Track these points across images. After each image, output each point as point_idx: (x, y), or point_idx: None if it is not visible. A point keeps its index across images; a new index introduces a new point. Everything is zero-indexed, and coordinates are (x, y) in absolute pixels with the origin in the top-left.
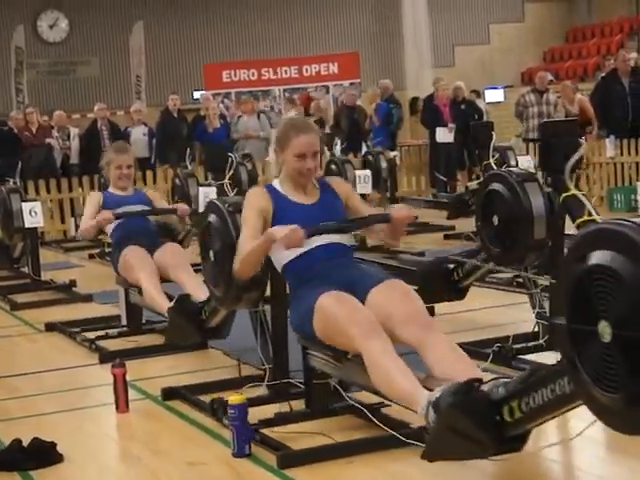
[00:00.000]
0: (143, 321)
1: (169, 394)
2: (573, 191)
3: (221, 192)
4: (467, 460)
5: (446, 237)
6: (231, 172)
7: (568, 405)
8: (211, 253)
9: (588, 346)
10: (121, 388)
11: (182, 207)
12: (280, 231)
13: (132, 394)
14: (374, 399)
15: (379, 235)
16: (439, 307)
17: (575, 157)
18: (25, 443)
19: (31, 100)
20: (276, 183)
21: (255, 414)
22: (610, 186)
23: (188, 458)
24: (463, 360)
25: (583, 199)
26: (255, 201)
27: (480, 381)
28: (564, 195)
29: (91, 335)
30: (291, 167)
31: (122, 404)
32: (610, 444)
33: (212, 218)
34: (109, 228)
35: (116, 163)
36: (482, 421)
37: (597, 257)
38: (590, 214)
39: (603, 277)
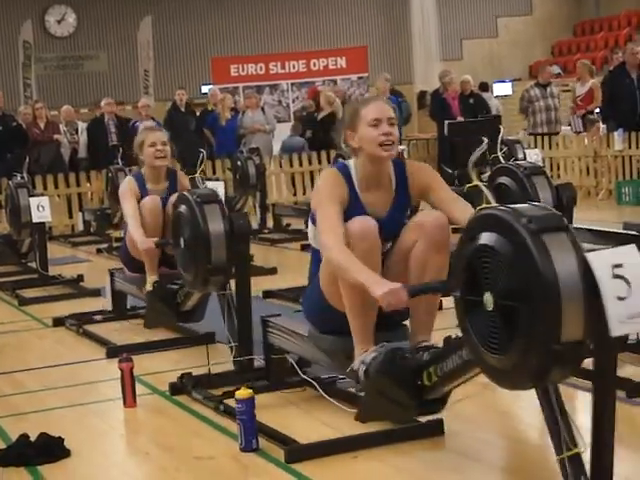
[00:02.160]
0: (127, 307)
1: (177, 389)
2: (476, 182)
3: (193, 184)
4: (395, 421)
5: (454, 230)
6: (202, 166)
7: (472, 370)
8: (182, 241)
9: (476, 314)
10: (128, 383)
11: None
12: (379, 288)
13: (139, 389)
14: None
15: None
16: (447, 300)
17: (477, 153)
18: (32, 438)
19: (39, 95)
20: (351, 165)
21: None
22: (618, 179)
23: (196, 452)
24: (427, 319)
25: (484, 189)
26: (334, 186)
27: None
28: (467, 186)
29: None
30: (369, 139)
31: (129, 399)
32: (618, 453)
33: (182, 208)
34: (124, 224)
35: (150, 140)
36: (404, 385)
37: (483, 238)
38: (488, 202)
39: (487, 254)
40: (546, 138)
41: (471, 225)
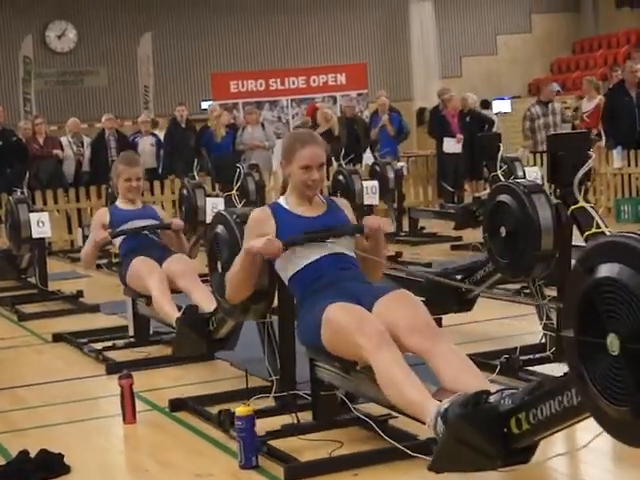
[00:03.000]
0: (150, 332)
1: (177, 405)
2: (582, 203)
3: (229, 203)
4: (474, 472)
5: (453, 248)
6: (239, 183)
7: (575, 418)
8: (219, 264)
9: (596, 359)
10: (128, 399)
11: (176, 221)
12: (257, 242)
13: (139, 405)
14: (381, 411)
15: (364, 260)
16: (446, 318)
17: (583, 169)
18: (32, 454)
19: (39, 110)
20: (281, 200)
21: (262, 426)
22: (617, 197)
23: (195, 470)
24: (471, 371)
25: (591, 211)
26: (256, 226)
27: (488, 393)
28: (572, 207)
29: (98, 346)
30: (297, 179)
31: (129, 415)
32: (617, 456)
33: (219, 229)
34: (117, 242)
35: (125, 175)
36: (489, 433)
37: (605, 269)
38: (598, 226)
39: (611, 290)
40: (545, 156)
41: (588, 254)
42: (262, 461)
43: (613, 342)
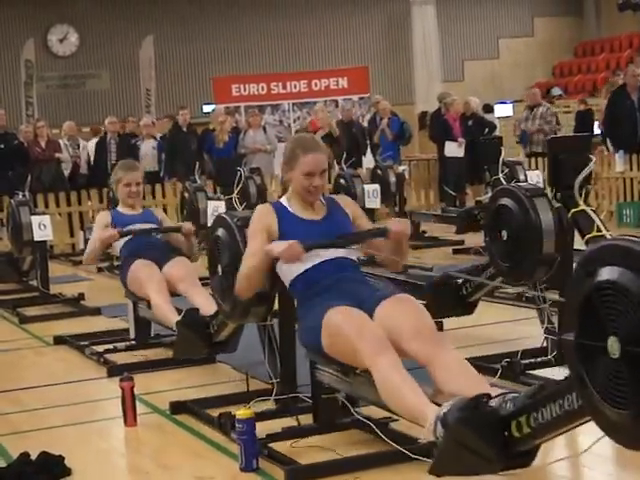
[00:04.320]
0: (151, 335)
1: (177, 408)
2: (582, 207)
3: (230, 206)
4: (474, 475)
5: (455, 252)
6: (240, 186)
7: (576, 421)
8: (219, 267)
9: (597, 362)
10: (129, 402)
11: (187, 225)
12: (278, 246)
13: (140, 408)
14: (382, 414)
15: (383, 257)
16: (448, 322)
17: (584, 173)
18: (33, 457)
19: (41, 113)
20: (284, 200)
21: (263, 428)
22: (619, 201)
23: (196, 472)
24: (471, 375)
25: (592, 215)
26: (260, 219)
27: (489, 396)
28: (573, 211)
29: (99, 348)
30: (299, 185)
31: (130, 418)
32: (618, 460)
33: (220, 232)
34: (117, 246)
35: (125, 181)
36: (490, 436)
37: (606, 273)
38: (599, 230)
39: (612, 293)
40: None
41: (589, 258)
42: (263, 464)
43: (613, 345)
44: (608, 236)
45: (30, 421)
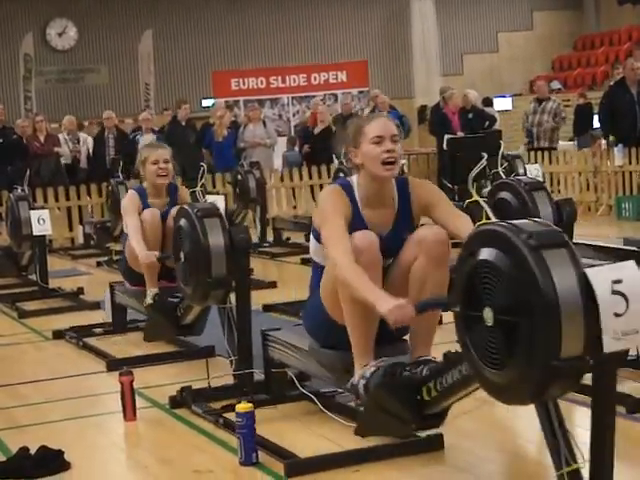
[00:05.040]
0: (127, 320)
1: (177, 402)
2: (475, 197)
3: (195, 199)
4: (394, 436)
5: (455, 245)
6: (203, 180)
7: (471, 384)
8: (182, 254)
9: (476, 330)
10: (128, 396)
11: None
12: (387, 304)
13: (139, 402)
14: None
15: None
16: (447, 315)
17: (477, 169)
18: (32, 451)
19: (39, 108)
20: (354, 181)
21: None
22: (618, 194)
23: (195, 466)
24: (427, 334)
25: (483, 204)
26: (338, 204)
27: (404, 364)
28: (467, 201)
29: (80, 335)
30: (372, 157)
31: (129, 412)
32: (615, 454)
33: (182, 222)
34: (123, 237)
35: (153, 158)
36: (405, 400)
37: (483, 253)
38: (488, 217)
39: (487, 270)
40: (546, 153)
41: (470, 240)
42: (262, 457)
43: (488, 314)
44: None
45: (29, 415)
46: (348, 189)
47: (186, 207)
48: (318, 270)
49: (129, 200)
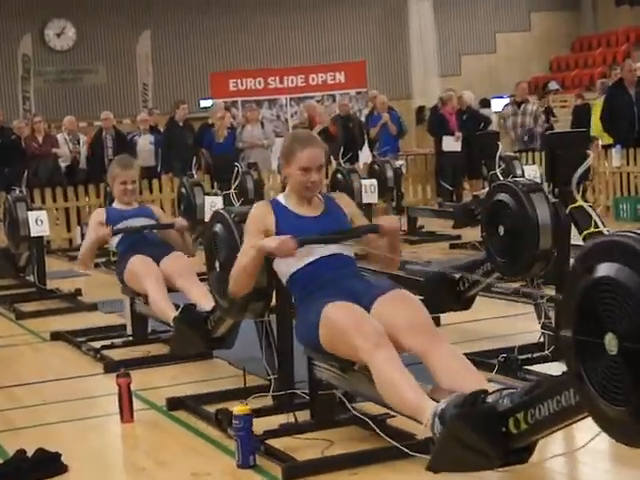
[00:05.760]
0: (149, 330)
1: (174, 404)
2: (580, 202)
3: (227, 202)
4: (472, 472)
5: (452, 247)
6: (237, 182)
7: (573, 417)
8: (217, 263)
9: (594, 358)
10: (126, 398)
11: (179, 221)
12: (271, 241)
13: (137, 404)
14: (379, 410)
15: (377, 255)
16: (445, 317)
17: (582, 168)
18: (29, 453)
19: (38, 108)
20: (281, 197)
21: (260, 425)
22: (616, 196)
23: (192, 469)
24: (469, 371)
25: (590, 210)
26: (257, 219)
27: (486, 392)
28: (571, 206)
29: (96, 344)
30: (296, 180)
31: (127, 414)
32: (615, 456)
33: (218, 228)
34: (113, 242)
35: (121, 179)
36: (487, 433)
37: (604, 269)
38: (597, 225)
39: (610, 289)
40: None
41: (586, 254)
42: (260, 460)
43: (611, 342)
44: (605, 232)
45: (26, 417)
46: (275, 202)
47: (222, 211)
48: (289, 284)
49: (92, 217)
